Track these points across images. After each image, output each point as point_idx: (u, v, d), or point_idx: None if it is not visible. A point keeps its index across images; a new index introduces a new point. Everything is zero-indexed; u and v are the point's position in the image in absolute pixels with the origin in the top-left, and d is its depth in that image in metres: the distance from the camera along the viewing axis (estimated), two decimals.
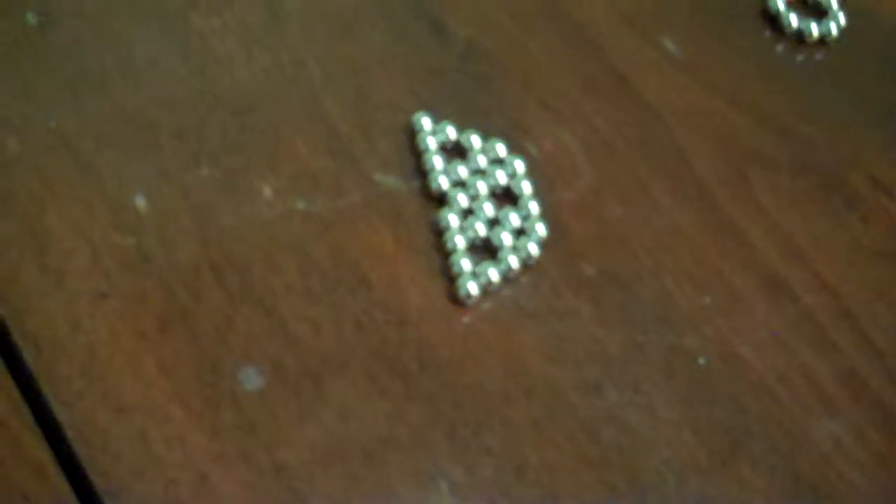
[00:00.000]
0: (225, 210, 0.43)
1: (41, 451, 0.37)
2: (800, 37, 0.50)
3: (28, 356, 0.38)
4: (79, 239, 0.41)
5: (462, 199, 0.44)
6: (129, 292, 0.41)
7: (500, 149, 0.45)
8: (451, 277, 0.42)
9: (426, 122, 0.45)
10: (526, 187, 0.44)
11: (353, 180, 0.44)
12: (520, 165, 0.45)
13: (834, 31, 0.50)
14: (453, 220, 0.43)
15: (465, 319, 0.42)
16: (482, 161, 0.45)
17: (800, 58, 0.50)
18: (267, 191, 0.43)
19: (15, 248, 0.41)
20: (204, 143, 0.44)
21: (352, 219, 0.43)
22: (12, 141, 0.43)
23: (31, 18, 0.46)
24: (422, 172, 0.45)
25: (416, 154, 0.45)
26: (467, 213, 0.44)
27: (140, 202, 0.42)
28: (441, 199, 0.44)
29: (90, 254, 0.41)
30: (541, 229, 0.44)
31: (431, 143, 0.45)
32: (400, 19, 0.48)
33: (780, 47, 0.50)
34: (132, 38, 0.46)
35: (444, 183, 0.44)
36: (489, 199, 0.44)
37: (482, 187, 0.44)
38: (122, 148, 0.44)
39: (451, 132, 0.45)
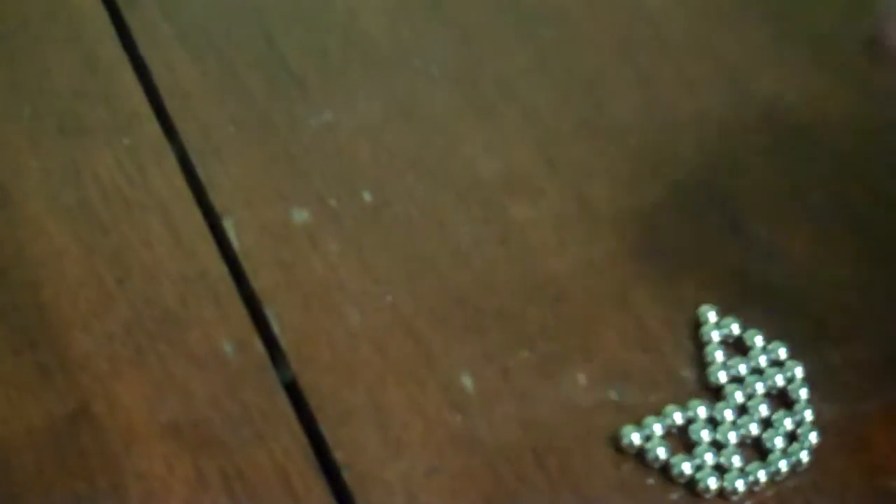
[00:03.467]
0: (544, 395, 0.45)
1: None
2: None
3: None
4: (414, 413, 0.44)
5: (738, 396, 0.46)
6: (459, 469, 0.43)
7: (782, 352, 0.47)
8: (721, 470, 0.44)
9: (711, 316, 0.48)
10: (803, 393, 0.46)
11: (661, 374, 0.47)
12: (799, 371, 0.47)
13: None
14: (728, 414, 0.45)
15: None
16: (762, 361, 0.47)
17: None
18: (582, 379, 0.46)
19: (360, 418, 0.44)
20: (523, 328, 0.47)
21: (659, 411, 0.45)
22: (355, 313, 0.47)
23: (367, 196, 0.50)
24: (702, 363, 0.47)
25: (699, 345, 0.47)
26: (742, 411, 0.45)
27: (467, 381, 0.45)
28: (718, 393, 0.46)
29: (424, 428, 0.44)
30: (813, 437, 0.45)
31: (714, 336, 0.47)
32: (701, 217, 0.51)
33: None
34: (457, 222, 0.50)
35: (722, 377, 0.46)
36: (764, 400, 0.46)
37: (759, 387, 0.46)
38: (450, 327, 0.47)
39: (735, 328, 0.47)
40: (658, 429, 0.45)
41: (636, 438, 0.44)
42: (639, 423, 0.45)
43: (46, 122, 0.52)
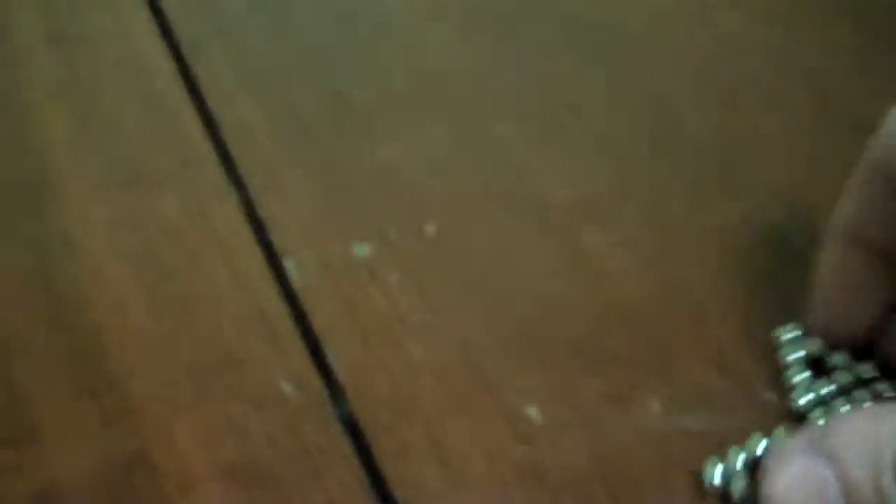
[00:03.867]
0: (616, 423, 0.43)
1: None
2: None
3: None
4: (476, 445, 0.42)
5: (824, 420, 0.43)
6: (525, 503, 0.41)
7: (867, 371, 0.44)
8: None
9: (792, 336, 0.45)
10: None
11: (741, 399, 0.44)
12: (886, 390, 0.43)
13: None
14: None
15: None
16: (847, 381, 0.43)
17: None
18: (656, 406, 0.43)
19: (419, 453, 0.42)
20: (594, 355, 0.45)
21: (743, 439, 0.42)
22: (415, 346, 0.45)
23: (430, 228, 0.49)
24: (784, 386, 0.44)
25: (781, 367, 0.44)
26: None
27: (532, 411, 0.43)
28: (802, 417, 0.43)
29: (487, 461, 0.42)
30: None
31: (796, 357, 0.44)
32: (783, 235, 0.48)
33: None
34: (527, 251, 0.48)
35: (805, 400, 0.43)
36: None
37: (846, 410, 0.43)
38: (514, 356, 0.45)
39: (817, 348, 0.44)
40: (741, 458, 0.42)
41: (718, 471, 0.41)
42: (721, 453, 0.42)
43: (112, 169, 0.52)
